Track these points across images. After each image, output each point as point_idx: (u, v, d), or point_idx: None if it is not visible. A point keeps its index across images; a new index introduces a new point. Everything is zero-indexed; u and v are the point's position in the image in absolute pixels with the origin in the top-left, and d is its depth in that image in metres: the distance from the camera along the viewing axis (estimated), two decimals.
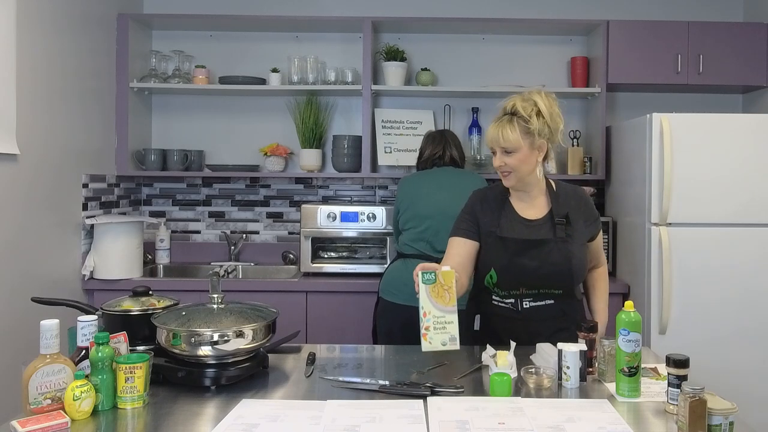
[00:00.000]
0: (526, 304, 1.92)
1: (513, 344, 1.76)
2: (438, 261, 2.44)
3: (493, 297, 1.97)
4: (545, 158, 1.93)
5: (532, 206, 1.96)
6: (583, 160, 3.41)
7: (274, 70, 3.39)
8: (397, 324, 2.52)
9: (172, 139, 3.61)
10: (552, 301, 1.93)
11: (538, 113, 1.85)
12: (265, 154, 3.44)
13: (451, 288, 1.60)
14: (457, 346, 1.58)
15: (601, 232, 2.06)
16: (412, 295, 2.45)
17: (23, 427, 1.29)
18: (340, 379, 1.67)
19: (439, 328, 1.59)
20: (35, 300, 1.81)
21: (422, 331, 1.59)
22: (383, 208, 3.16)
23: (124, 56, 3.27)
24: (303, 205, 3.19)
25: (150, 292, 1.81)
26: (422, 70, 3.46)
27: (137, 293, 1.79)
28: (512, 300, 1.94)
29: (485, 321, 2.01)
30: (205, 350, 1.58)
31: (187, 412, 1.46)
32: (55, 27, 2.72)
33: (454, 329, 1.58)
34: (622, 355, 1.56)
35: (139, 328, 1.70)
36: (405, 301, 2.50)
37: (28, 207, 2.54)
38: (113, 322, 1.68)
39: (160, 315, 1.68)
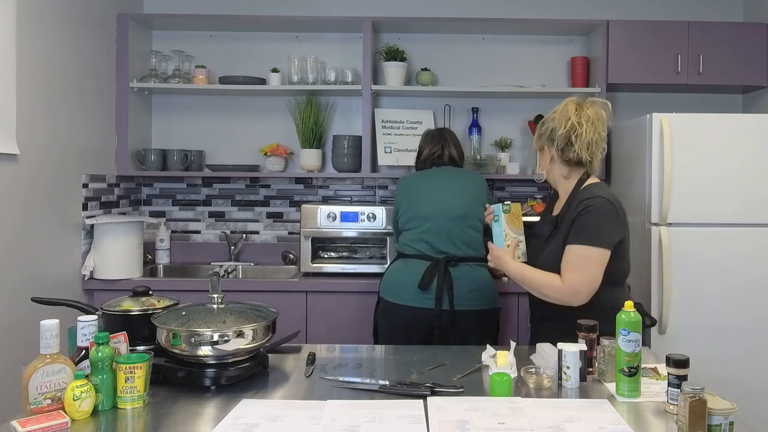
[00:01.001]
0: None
1: (513, 344, 1.77)
2: (439, 261, 2.47)
3: None
4: (576, 164, 2.00)
5: (558, 204, 2.10)
6: None
7: (274, 70, 3.39)
8: (399, 324, 2.50)
9: (172, 139, 3.61)
10: None
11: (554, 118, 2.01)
12: (265, 154, 3.44)
13: (520, 216, 1.99)
14: (526, 259, 1.97)
15: (581, 246, 1.84)
16: (413, 295, 2.47)
17: (23, 427, 1.29)
18: (340, 379, 1.67)
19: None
20: (35, 300, 1.81)
21: (504, 247, 1.99)
22: (383, 208, 3.16)
23: (124, 56, 3.27)
24: (303, 205, 3.19)
25: (150, 292, 1.81)
26: (422, 70, 3.46)
27: (137, 293, 1.79)
28: None
29: None
30: (205, 350, 1.58)
31: (187, 412, 1.46)
32: (55, 27, 2.71)
33: (524, 246, 1.99)
34: (622, 355, 1.56)
35: (139, 328, 1.70)
36: (406, 302, 2.47)
37: (28, 207, 2.54)
38: (113, 322, 1.68)
39: (160, 315, 1.68)
